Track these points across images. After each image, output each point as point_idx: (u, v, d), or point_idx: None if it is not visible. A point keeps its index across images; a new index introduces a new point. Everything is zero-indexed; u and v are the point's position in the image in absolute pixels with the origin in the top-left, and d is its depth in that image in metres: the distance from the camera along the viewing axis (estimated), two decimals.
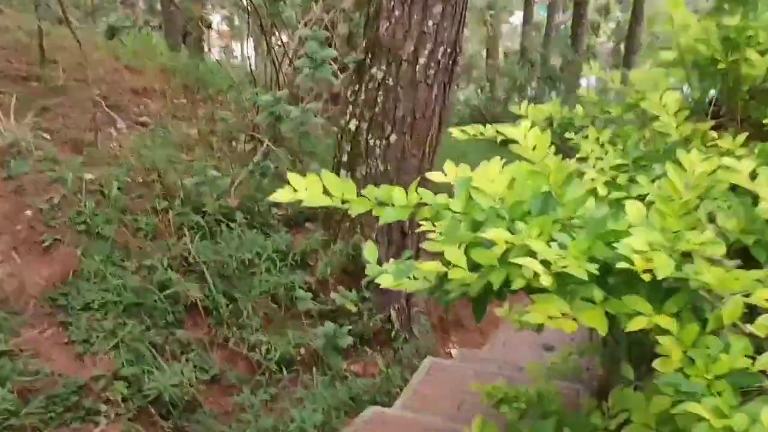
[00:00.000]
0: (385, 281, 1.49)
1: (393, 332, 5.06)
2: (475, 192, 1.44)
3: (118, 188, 4.51)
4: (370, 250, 1.64)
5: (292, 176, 1.48)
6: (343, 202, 1.51)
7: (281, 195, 1.46)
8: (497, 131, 1.81)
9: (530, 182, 1.46)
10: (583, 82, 21.60)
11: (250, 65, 6.62)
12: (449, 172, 1.57)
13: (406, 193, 1.52)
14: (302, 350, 4.31)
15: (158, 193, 4.72)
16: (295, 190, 1.46)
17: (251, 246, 4.54)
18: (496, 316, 7.09)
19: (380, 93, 4.59)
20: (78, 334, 3.58)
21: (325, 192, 1.49)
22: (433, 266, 1.36)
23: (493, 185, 1.45)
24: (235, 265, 4.37)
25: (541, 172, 1.51)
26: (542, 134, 1.62)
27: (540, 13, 24.25)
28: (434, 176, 1.58)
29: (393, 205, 1.52)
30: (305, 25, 6.05)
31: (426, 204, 1.51)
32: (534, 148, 1.61)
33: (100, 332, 3.59)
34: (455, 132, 2.03)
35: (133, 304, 3.82)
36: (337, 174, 5.00)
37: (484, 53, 23.62)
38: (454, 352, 6.32)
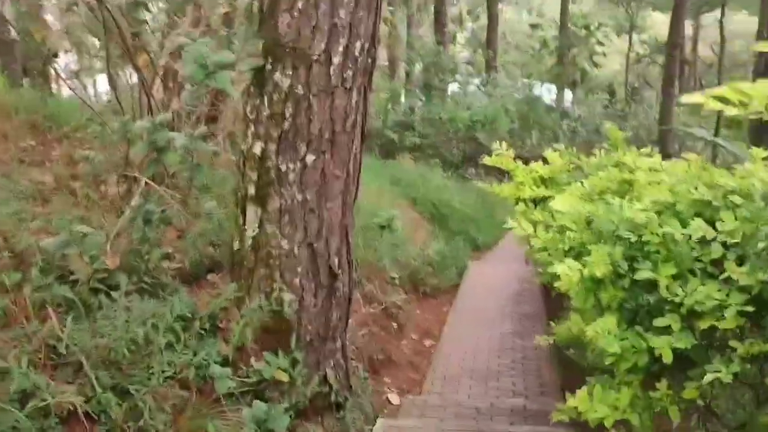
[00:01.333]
0: None
1: (332, 395, 4.16)
2: None
3: None
4: None
5: None
6: None
7: None
8: None
9: None
10: (450, 87, 22.92)
11: (115, 92, 5.49)
12: None
13: None
14: None
15: (6, 263, 3.56)
16: None
17: (143, 317, 3.47)
18: (424, 345, 6.23)
19: (288, 105, 3.67)
20: None
21: None
22: None
23: None
24: (124, 348, 3.27)
25: None
26: None
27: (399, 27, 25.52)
28: None
29: None
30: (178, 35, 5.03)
31: None
32: None
33: None
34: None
35: None
36: (244, 212, 4.05)
37: None
38: (393, 398, 5.55)
